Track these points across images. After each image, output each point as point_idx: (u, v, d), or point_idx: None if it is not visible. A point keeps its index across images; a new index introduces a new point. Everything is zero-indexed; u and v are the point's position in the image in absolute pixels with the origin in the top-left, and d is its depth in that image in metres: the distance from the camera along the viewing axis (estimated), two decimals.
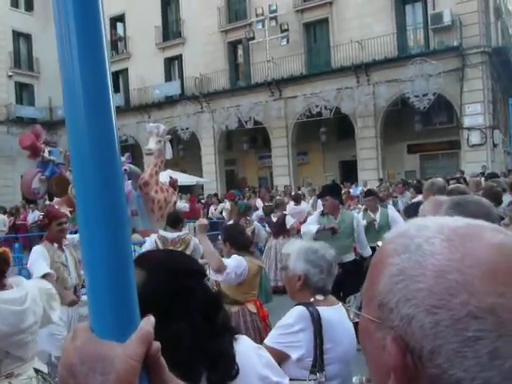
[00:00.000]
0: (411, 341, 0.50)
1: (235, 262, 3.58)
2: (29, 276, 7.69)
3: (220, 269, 3.46)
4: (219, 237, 4.22)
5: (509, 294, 0.47)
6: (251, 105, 22.59)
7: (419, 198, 9.02)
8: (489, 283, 0.48)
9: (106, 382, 0.53)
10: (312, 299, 2.28)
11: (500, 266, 0.49)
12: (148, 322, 0.58)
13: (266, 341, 2.24)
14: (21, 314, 2.29)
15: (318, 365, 2.15)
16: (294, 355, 2.14)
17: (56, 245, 4.33)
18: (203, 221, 4.03)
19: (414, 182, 14.20)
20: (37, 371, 2.45)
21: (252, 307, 3.72)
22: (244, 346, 1.33)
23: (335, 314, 2.25)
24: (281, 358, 2.13)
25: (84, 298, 4.34)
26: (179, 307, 1.21)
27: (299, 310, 2.22)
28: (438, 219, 0.57)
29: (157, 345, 0.57)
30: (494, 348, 0.46)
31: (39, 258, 4.14)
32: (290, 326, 2.19)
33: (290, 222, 8.68)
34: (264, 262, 7.48)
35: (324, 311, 2.22)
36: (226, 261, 3.57)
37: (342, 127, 22.89)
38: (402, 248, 0.54)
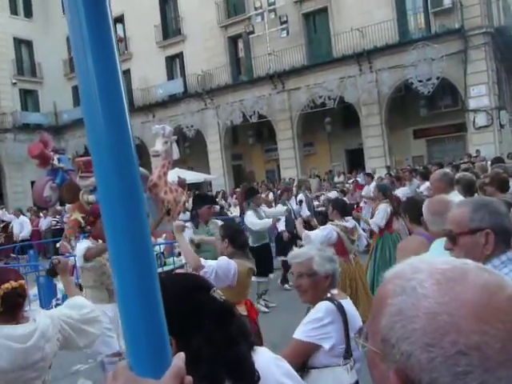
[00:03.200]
0: (411, 374, 0.57)
1: (218, 264, 3.55)
2: (46, 282, 7.82)
3: (197, 268, 3.51)
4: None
5: (492, 331, 0.54)
6: (255, 99, 22.59)
7: (426, 184, 9.02)
8: (474, 323, 0.55)
9: None
10: (329, 294, 2.50)
11: (483, 307, 0.56)
12: (179, 358, 0.65)
13: (297, 335, 2.43)
14: (23, 352, 2.22)
15: (348, 351, 2.39)
16: (326, 345, 2.36)
17: (100, 241, 4.41)
18: (180, 222, 4.30)
19: (421, 168, 14.16)
20: None
21: (242, 309, 3.71)
22: (263, 357, 1.39)
23: (350, 305, 2.50)
24: (313, 349, 2.38)
25: None
26: (193, 324, 1.27)
27: (326, 305, 2.43)
28: (429, 261, 0.64)
29: (189, 379, 0.64)
30: (482, 380, 0.53)
31: (85, 245, 4.31)
32: (320, 319, 2.40)
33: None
34: None
35: (343, 303, 2.45)
36: (204, 261, 3.59)
37: (346, 116, 22.83)
38: (400, 290, 0.61)
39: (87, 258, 4.21)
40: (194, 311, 1.30)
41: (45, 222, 16.67)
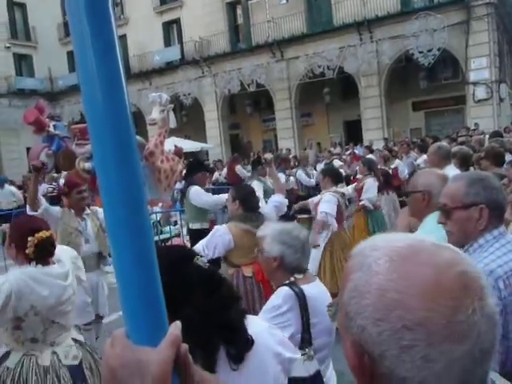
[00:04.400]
0: (365, 346, 0.61)
1: (201, 244, 3.62)
2: None
3: None
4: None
5: (438, 308, 0.57)
6: (253, 67, 22.27)
7: (424, 157, 9.01)
8: (420, 300, 0.58)
9: (144, 383, 0.62)
10: (292, 278, 2.38)
11: (431, 284, 0.58)
12: (176, 327, 0.66)
13: None
14: (64, 288, 2.57)
15: (306, 340, 2.26)
16: (286, 334, 2.20)
17: (73, 211, 4.38)
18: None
19: (419, 140, 14.11)
20: (75, 340, 2.69)
21: (248, 271, 3.68)
22: (256, 325, 1.42)
23: (315, 289, 2.37)
24: None
25: (107, 268, 4.49)
26: (182, 294, 1.28)
27: (285, 291, 2.31)
28: (388, 239, 0.66)
29: (184, 346, 0.66)
30: (425, 354, 0.57)
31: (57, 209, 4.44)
32: (278, 307, 2.28)
33: None
34: None
35: (306, 288, 2.32)
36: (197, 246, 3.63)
37: (345, 87, 22.59)
38: (358, 266, 0.64)
39: (30, 204, 4.23)
40: (180, 282, 1.30)
41: (41, 189, 16.60)
